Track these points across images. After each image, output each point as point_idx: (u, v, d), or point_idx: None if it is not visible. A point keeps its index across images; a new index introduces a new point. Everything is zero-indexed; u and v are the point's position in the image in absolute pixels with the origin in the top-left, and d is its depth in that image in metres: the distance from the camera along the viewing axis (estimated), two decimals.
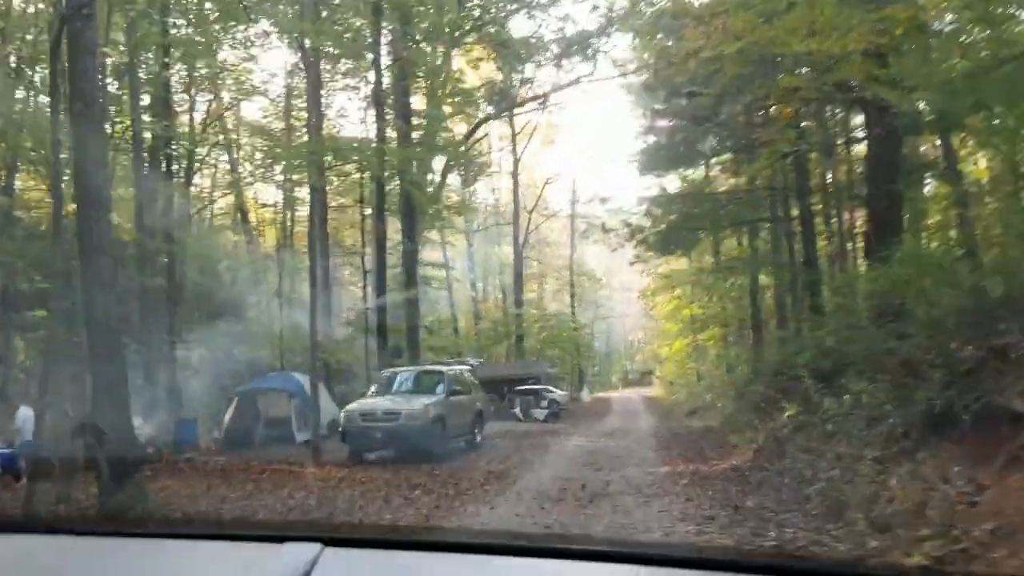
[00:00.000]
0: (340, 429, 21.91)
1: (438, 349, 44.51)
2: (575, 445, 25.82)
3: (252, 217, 48.94)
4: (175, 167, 39.34)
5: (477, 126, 46.61)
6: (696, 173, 39.83)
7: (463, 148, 44.01)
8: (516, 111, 59.59)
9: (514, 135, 61.06)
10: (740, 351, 35.76)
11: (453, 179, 63.75)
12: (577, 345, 69.13)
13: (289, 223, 47.55)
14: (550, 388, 59.00)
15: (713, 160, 35.58)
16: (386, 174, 32.00)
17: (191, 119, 41.34)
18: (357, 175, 40.14)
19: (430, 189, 45.16)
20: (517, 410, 46.57)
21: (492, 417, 45.82)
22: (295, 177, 33.87)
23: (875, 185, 17.70)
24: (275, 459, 22.14)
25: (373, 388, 23.97)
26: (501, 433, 30.83)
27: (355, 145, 32.83)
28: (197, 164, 43.41)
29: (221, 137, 44.69)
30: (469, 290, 67.23)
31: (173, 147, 37.42)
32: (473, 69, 48.69)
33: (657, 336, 79.69)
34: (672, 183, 41.20)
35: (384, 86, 35.23)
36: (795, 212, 30.41)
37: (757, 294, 36.78)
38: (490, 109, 46.67)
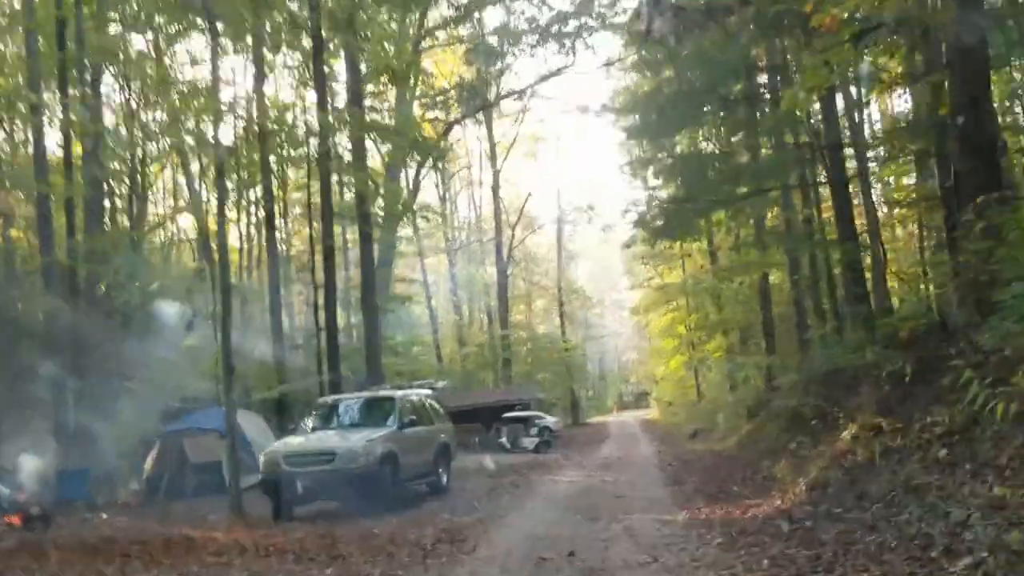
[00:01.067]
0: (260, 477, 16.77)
1: (408, 374, 39.33)
2: (567, 482, 20.81)
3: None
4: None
5: (451, 126, 41.81)
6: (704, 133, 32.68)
7: (438, 148, 38.79)
8: (495, 116, 55.21)
9: (492, 146, 56.17)
10: (752, 360, 30.42)
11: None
12: (569, 367, 63.97)
13: (246, 242, 42.53)
14: (541, 415, 54.15)
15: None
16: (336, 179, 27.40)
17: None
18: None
19: (401, 200, 40.57)
20: (504, 440, 41.73)
21: (477, 449, 41.75)
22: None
23: (965, 128, 12.53)
24: (191, 517, 17.38)
25: (307, 422, 18.76)
26: (480, 469, 25.92)
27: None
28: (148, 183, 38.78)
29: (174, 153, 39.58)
30: (452, 313, 62.11)
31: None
32: (439, 70, 44.18)
33: (652, 355, 74.60)
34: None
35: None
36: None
37: (768, 293, 31.54)
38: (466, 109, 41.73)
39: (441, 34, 44.33)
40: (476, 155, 62.71)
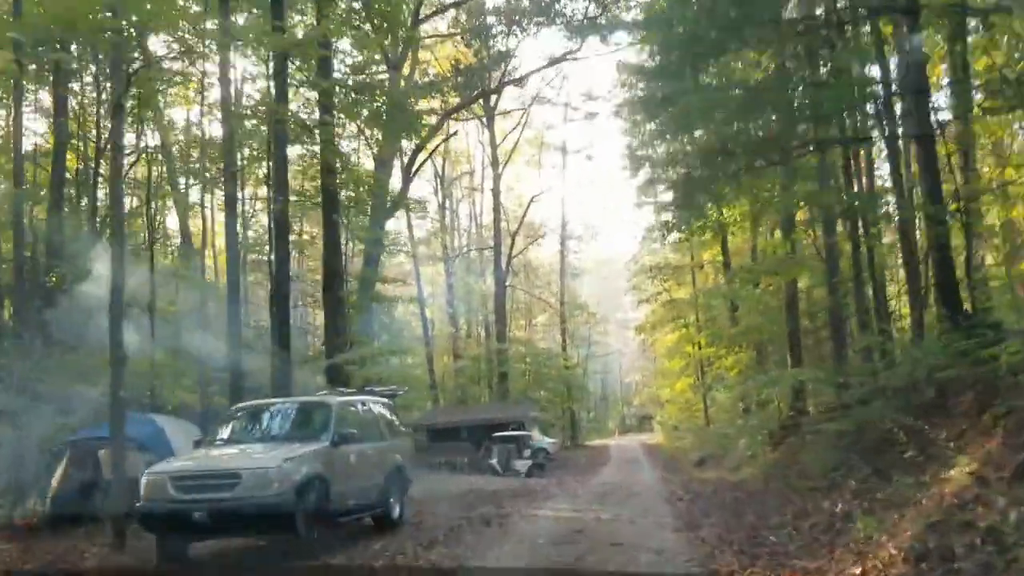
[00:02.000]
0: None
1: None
2: (554, 518, 16.51)
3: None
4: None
5: (449, 114, 37.73)
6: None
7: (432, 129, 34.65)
8: (497, 117, 51.20)
9: (494, 145, 52.01)
10: (789, 373, 25.70)
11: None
12: (569, 386, 59.59)
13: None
14: (537, 435, 49.96)
15: None
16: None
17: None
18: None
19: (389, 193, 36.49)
20: (494, 461, 37.56)
21: (465, 471, 37.53)
22: None
23: None
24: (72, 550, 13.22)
25: (216, 433, 14.34)
26: (456, 495, 21.92)
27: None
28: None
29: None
30: (448, 325, 57.81)
31: None
32: (438, 62, 40.16)
33: (657, 377, 70.17)
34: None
35: None
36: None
37: (796, 300, 27.10)
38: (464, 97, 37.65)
39: (441, 25, 40.63)
40: (478, 160, 58.84)
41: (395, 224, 57.33)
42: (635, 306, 64.19)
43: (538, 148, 59.56)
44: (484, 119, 51.25)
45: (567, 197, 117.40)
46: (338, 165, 26.87)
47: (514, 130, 54.24)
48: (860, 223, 20.67)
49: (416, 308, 53.98)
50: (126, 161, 27.41)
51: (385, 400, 16.15)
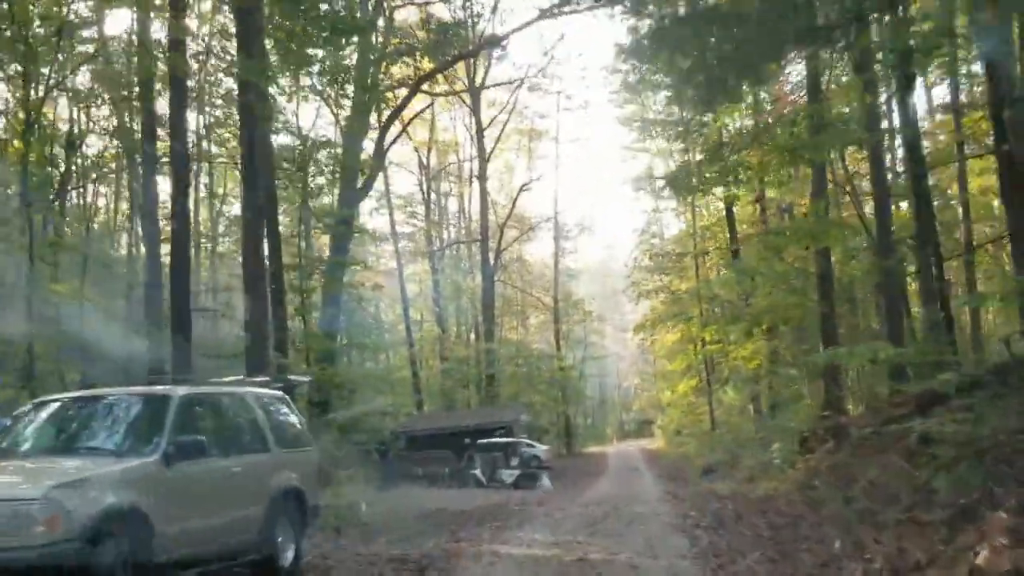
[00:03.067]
0: None
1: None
2: (521, 559, 11.61)
3: None
4: None
5: (423, 80, 33.03)
6: None
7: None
8: (483, 98, 46.53)
9: (480, 128, 47.16)
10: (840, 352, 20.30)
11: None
12: (564, 389, 54.58)
13: None
14: (529, 441, 45.10)
15: None
16: None
17: None
18: None
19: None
20: (478, 471, 32.91)
21: (446, 483, 32.77)
22: None
23: None
24: None
25: None
26: (417, 517, 17.48)
27: None
28: None
29: None
30: (435, 325, 52.84)
31: None
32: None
33: (657, 379, 65.18)
34: None
35: None
36: None
37: (831, 275, 21.76)
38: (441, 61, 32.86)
39: None
40: (466, 151, 54.03)
41: (382, 220, 53.16)
42: (634, 305, 59.18)
43: (528, 137, 54.66)
44: (469, 101, 46.51)
45: (560, 189, 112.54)
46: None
47: (501, 113, 49.55)
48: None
49: (401, 308, 49.27)
50: None
51: (278, 394, 11.15)
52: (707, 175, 16.99)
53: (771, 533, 12.22)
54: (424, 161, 52.32)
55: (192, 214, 27.05)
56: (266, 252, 20.87)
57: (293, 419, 11.14)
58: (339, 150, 30.16)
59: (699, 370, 50.61)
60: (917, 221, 16.09)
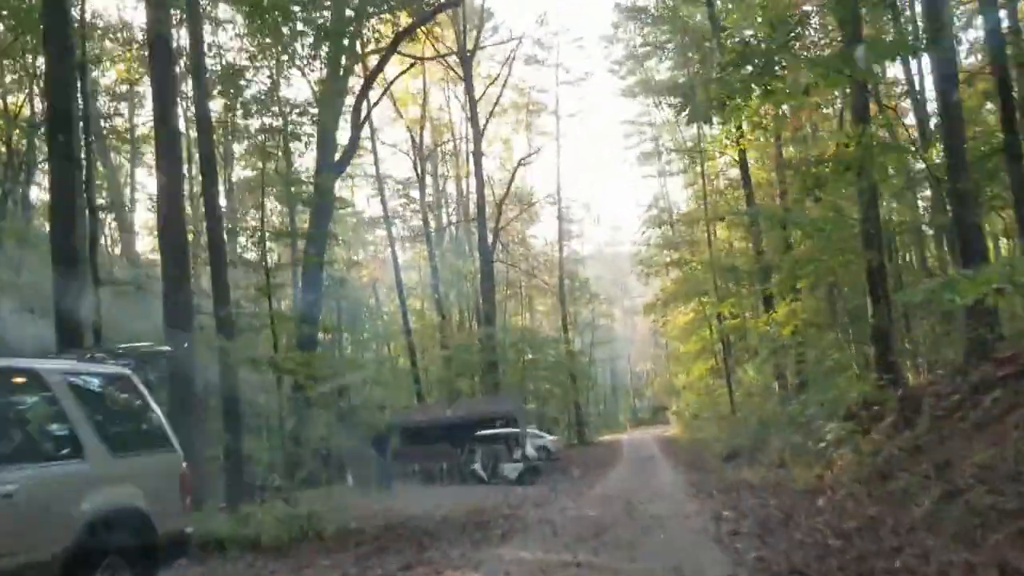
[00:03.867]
0: None
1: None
2: None
3: None
4: None
5: (403, 35, 29.63)
6: None
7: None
8: (477, 66, 43.11)
9: (472, 99, 43.67)
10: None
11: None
12: (573, 376, 51.04)
13: None
14: (537, 432, 41.73)
15: None
16: None
17: None
18: None
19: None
20: (477, 466, 29.62)
21: (444, 480, 29.70)
22: None
23: None
24: None
25: None
26: (388, 525, 14.10)
27: None
28: None
29: None
30: (434, 312, 49.32)
31: None
32: None
33: (670, 362, 61.61)
34: None
35: None
36: None
37: (879, 225, 18.10)
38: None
39: None
40: (460, 128, 50.56)
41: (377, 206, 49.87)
42: (644, 286, 55.65)
43: (525, 111, 51.18)
44: (461, 71, 43.03)
45: (563, 166, 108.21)
46: None
47: (495, 85, 46.17)
48: None
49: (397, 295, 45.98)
50: None
51: (117, 373, 7.61)
52: (733, 84, 13.61)
53: (841, 543, 8.82)
54: (417, 141, 48.90)
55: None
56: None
57: (144, 410, 7.67)
58: (314, 111, 26.76)
59: (715, 350, 47.20)
60: (1005, 129, 12.59)
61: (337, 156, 29.51)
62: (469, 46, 43.10)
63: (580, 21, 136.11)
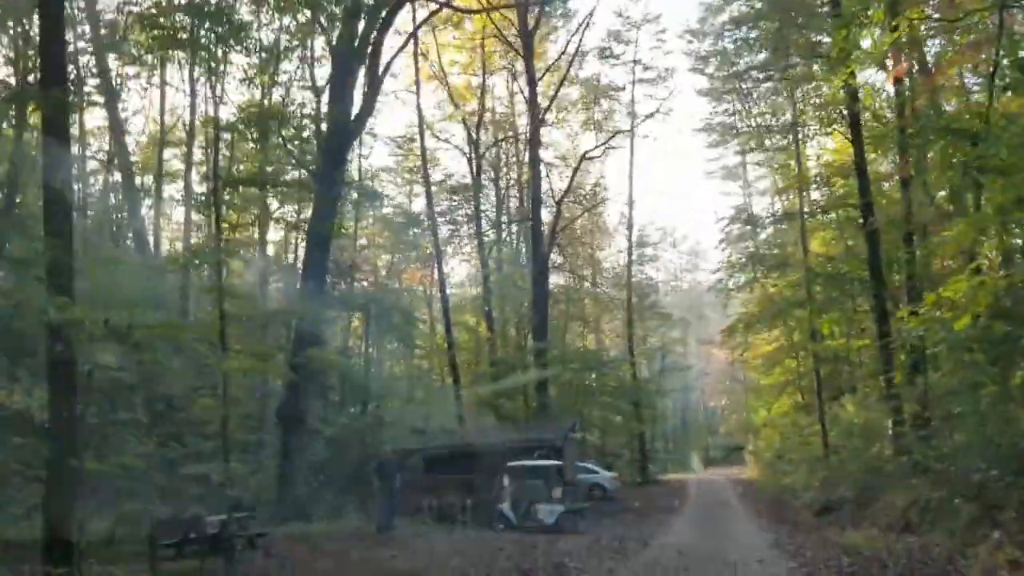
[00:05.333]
0: None
1: None
2: None
3: None
4: None
5: None
6: None
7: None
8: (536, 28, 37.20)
9: (532, 79, 37.56)
10: None
11: None
12: (637, 404, 44.12)
13: None
14: (591, 466, 35.27)
15: None
16: None
17: None
18: None
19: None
20: (505, 506, 23.15)
21: (462, 524, 23.58)
22: None
23: None
24: None
25: None
26: None
27: None
28: None
29: None
30: (483, 323, 42.94)
31: None
32: None
33: (749, 396, 54.30)
34: None
35: None
36: None
37: None
38: None
39: None
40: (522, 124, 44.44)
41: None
42: (723, 311, 48.49)
43: (593, 100, 44.67)
44: (521, 46, 37.11)
45: (637, 180, 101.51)
46: None
47: (559, 59, 40.07)
48: None
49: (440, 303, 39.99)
50: None
51: None
52: None
53: None
54: (473, 136, 43.04)
55: None
56: None
57: None
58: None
59: (801, 383, 40.19)
60: None
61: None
62: (531, 24, 37.29)
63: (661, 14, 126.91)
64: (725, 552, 16.21)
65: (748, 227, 43.56)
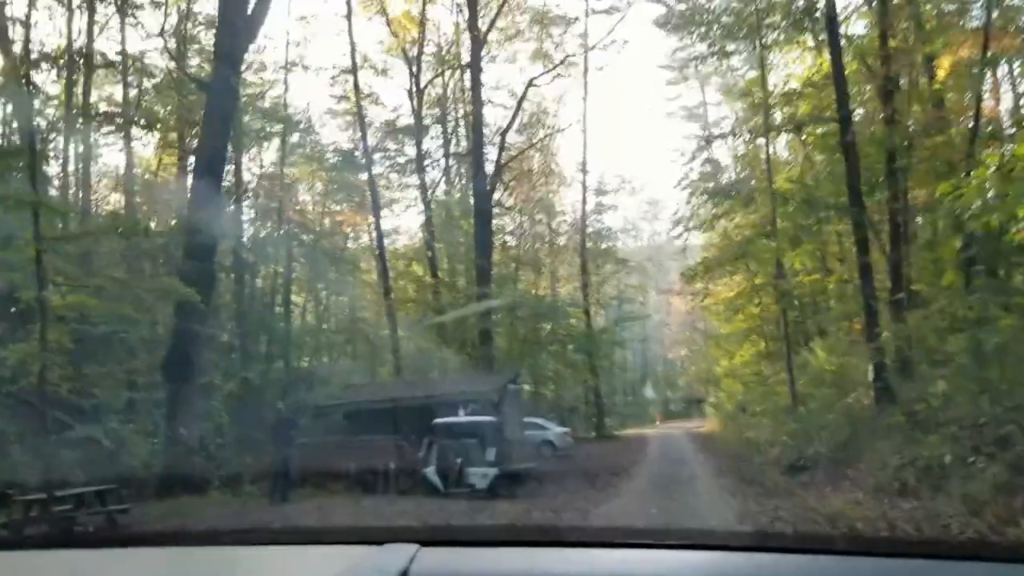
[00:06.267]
0: None
1: None
2: None
3: None
4: None
5: None
6: None
7: None
8: None
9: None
10: None
11: None
12: (589, 352, 40.71)
13: None
14: (539, 422, 32.18)
15: None
16: None
17: None
18: None
19: None
20: (431, 469, 19.73)
21: (384, 487, 20.41)
22: None
23: None
24: None
25: None
26: None
27: None
28: None
29: None
30: (424, 271, 39.16)
31: None
32: None
33: (710, 346, 50.98)
34: None
35: None
36: None
37: None
38: None
39: None
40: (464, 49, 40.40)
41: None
42: (682, 253, 45.01)
43: (541, 26, 40.70)
44: None
45: (592, 115, 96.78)
46: None
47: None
48: None
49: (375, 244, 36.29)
50: None
51: None
52: None
53: None
54: (413, 69, 39.13)
55: None
56: None
57: None
58: None
59: (765, 330, 37.17)
60: None
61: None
62: None
63: None
64: (698, 510, 13.18)
65: (708, 166, 40.27)
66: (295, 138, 36.14)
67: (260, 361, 24.38)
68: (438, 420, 20.22)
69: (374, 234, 37.52)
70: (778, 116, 25.14)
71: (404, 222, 43.11)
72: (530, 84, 36.73)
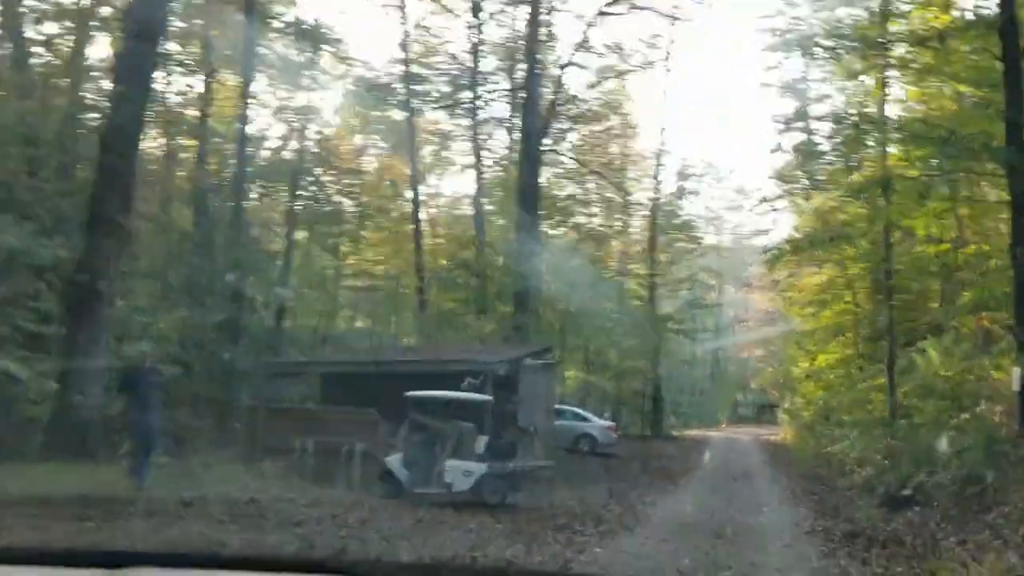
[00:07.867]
0: None
1: None
2: None
3: None
4: None
5: None
6: None
7: None
8: None
9: None
10: None
11: None
12: (656, 342, 34.75)
13: None
14: (580, 412, 26.88)
15: None
16: None
17: None
18: None
19: None
20: (395, 460, 14.10)
21: (349, 472, 15.27)
22: None
23: None
24: None
25: None
26: None
27: None
28: None
29: None
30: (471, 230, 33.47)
31: None
32: None
33: (789, 342, 44.35)
34: None
35: None
36: None
37: None
38: None
39: None
40: None
41: None
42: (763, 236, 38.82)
43: None
44: None
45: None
46: None
47: None
48: None
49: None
50: None
51: None
52: None
53: None
54: None
55: None
56: None
57: None
58: None
59: (860, 327, 30.91)
60: None
61: None
62: None
63: None
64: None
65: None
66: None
67: (223, 301, 19.34)
68: (413, 392, 14.78)
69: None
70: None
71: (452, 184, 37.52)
72: (601, 12, 30.60)
